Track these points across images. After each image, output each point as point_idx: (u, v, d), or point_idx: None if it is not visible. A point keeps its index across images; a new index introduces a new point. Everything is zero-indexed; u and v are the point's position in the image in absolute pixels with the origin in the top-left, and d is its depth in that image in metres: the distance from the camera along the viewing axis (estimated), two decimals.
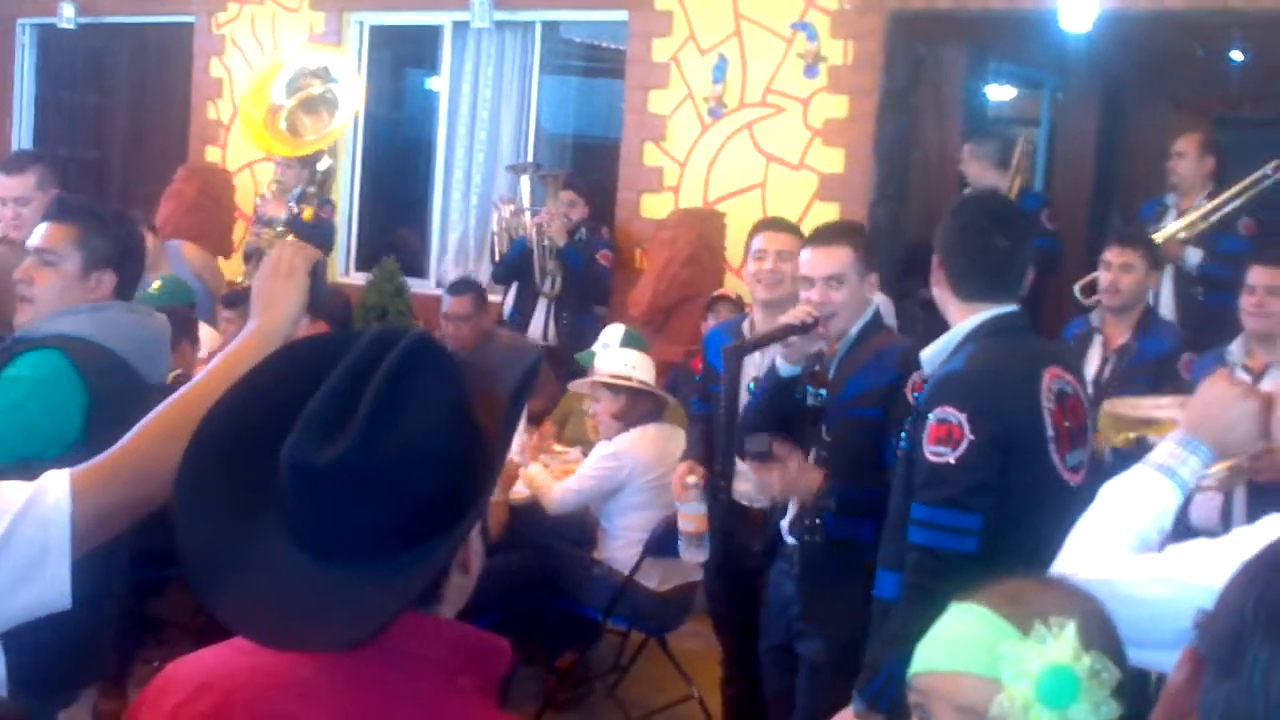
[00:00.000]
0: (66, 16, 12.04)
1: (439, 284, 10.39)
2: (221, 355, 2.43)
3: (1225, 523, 5.03)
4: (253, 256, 8.85)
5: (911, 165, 9.20)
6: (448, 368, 1.75)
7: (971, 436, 3.39)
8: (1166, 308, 7.52)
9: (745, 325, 5.45)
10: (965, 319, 3.65)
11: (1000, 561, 3.29)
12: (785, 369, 4.49)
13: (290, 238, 3.47)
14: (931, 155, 9.53)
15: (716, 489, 5.33)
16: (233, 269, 10.26)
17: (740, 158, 9.14)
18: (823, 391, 4.47)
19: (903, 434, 3.73)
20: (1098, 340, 6.39)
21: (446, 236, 10.59)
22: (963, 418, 3.41)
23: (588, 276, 8.88)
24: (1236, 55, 10.66)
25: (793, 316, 4.40)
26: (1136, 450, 2.89)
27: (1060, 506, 3.10)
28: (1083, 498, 3.44)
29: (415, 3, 10.52)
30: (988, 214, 3.80)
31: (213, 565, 1.70)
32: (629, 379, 6.33)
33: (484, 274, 9.84)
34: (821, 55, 8.82)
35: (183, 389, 2.35)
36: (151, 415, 2.31)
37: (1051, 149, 11.58)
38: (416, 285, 10.02)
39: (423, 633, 1.69)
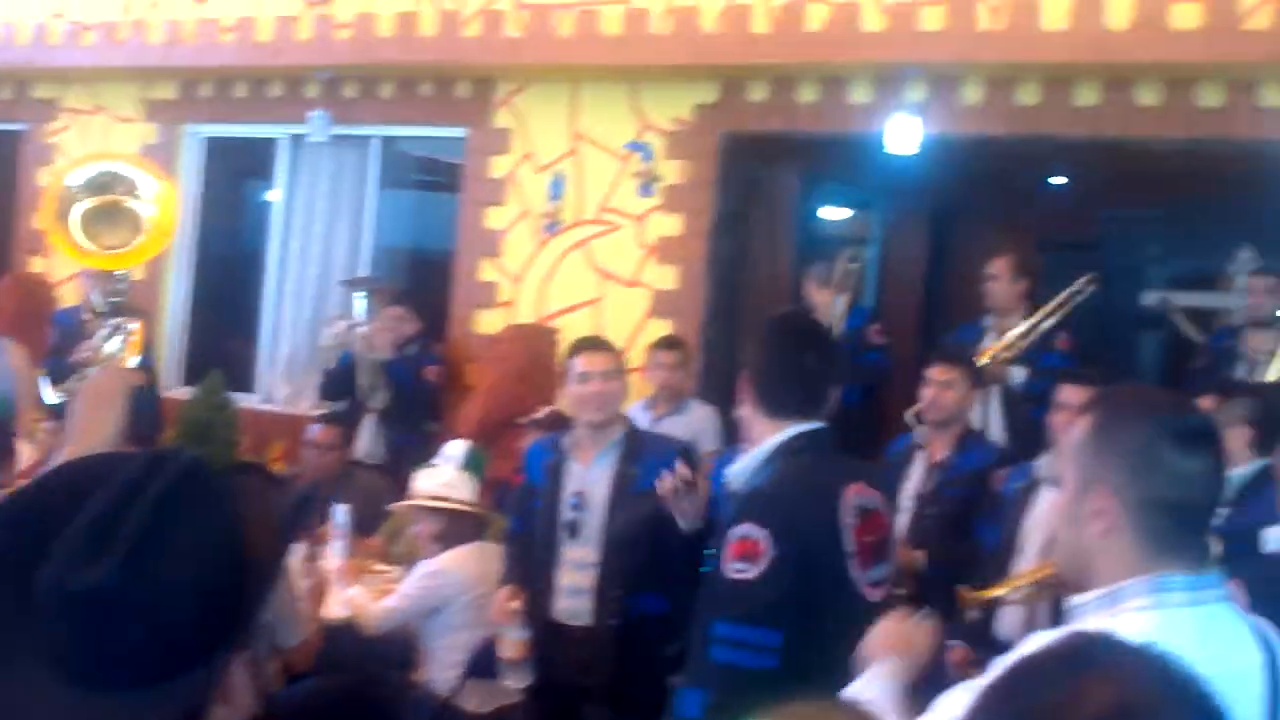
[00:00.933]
0: None
1: (267, 399, 10.27)
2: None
3: (1030, 633, 5.16)
4: (70, 375, 8.66)
5: (745, 284, 9.33)
6: (217, 494, 1.71)
7: (773, 553, 3.40)
8: (996, 426, 7.69)
9: (566, 442, 5.50)
10: (771, 436, 3.67)
11: (802, 678, 3.36)
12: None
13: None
14: (765, 274, 9.67)
15: (536, 609, 5.34)
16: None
17: (575, 274, 9.20)
18: None
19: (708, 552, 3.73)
20: (920, 455, 6.53)
21: (277, 350, 10.46)
22: (764, 534, 3.42)
23: (415, 392, 8.83)
24: (1057, 180, 11.00)
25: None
26: None
27: (862, 622, 3.16)
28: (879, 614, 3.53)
29: (252, 115, 10.46)
30: (795, 333, 3.88)
31: None
32: (446, 499, 6.30)
33: (312, 389, 9.74)
34: (656, 175, 8.95)
35: None
36: None
37: (883, 269, 11.82)
38: (244, 399, 9.89)
39: None
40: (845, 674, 2.89)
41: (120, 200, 8.82)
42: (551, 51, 8.89)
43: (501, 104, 9.47)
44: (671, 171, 8.94)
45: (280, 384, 10.35)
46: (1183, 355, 9.59)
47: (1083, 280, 8.21)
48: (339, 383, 9.00)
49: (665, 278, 8.94)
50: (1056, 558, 2.55)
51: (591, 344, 5.78)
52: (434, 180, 11.32)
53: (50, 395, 8.30)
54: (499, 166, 9.46)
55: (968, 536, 6.25)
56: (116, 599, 1.56)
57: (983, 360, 7.65)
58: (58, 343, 8.79)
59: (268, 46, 9.82)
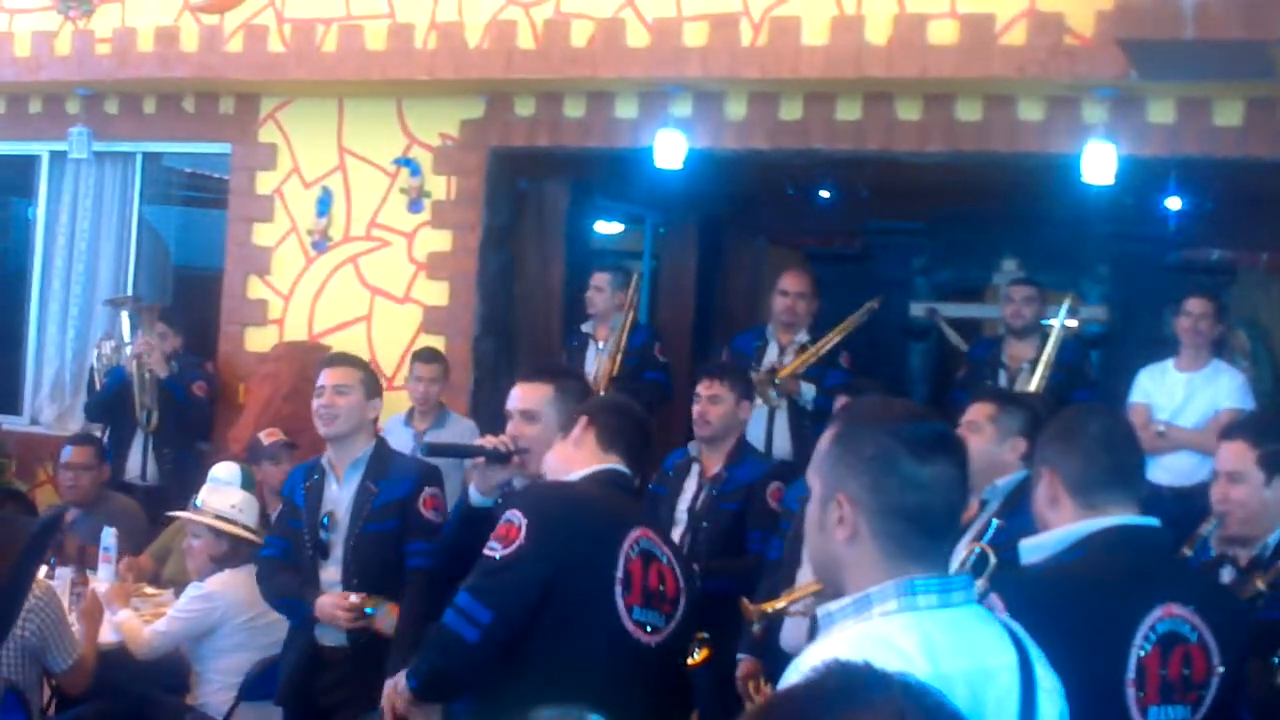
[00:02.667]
0: None
1: (33, 420, 10.04)
2: None
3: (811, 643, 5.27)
4: None
5: (517, 298, 9.37)
6: None
7: (523, 543, 3.55)
8: (783, 440, 7.84)
9: (324, 462, 5.48)
10: (589, 466, 3.90)
11: (521, 676, 3.55)
12: (477, 499, 4.47)
13: None
14: (537, 288, 9.71)
15: (299, 632, 5.34)
16: None
17: (345, 291, 9.16)
18: None
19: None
20: (695, 469, 6.60)
21: (42, 371, 10.22)
22: (525, 523, 3.57)
23: (186, 410, 8.71)
24: (824, 193, 11.22)
25: (489, 442, 4.42)
26: None
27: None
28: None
29: (12, 132, 10.22)
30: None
31: None
32: (234, 522, 6.25)
33: (79, 410, 9.56)
34: (425, 190, 8.95)
35: None
36: None
37: (655, 282, 11.94)
38: (9, 422, 9.66)
39: None
40: (571, 696, 2.97)
41: None
42: (316, 67, 8.82)
43: (267, 119, 9.38)
44: (440, 187, 8.95)
45: (47, 405, 10.12)
46: (951, 365, 9.85)
47: (870, 303, 8.45)
48: (108, 403, 8.83)
49: (436, 293, 8.95)
50: (812, 567, 2.60)
51: (336, 359, 5.84)
52: (201, 196, 11.17)
53: None
54: (265, 182, 9.37)
55: (742, 549, 6.35)
56: None
57: (781, 375, 7.83)
58: None
59: (26, 62, 9.60)
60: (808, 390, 7.88)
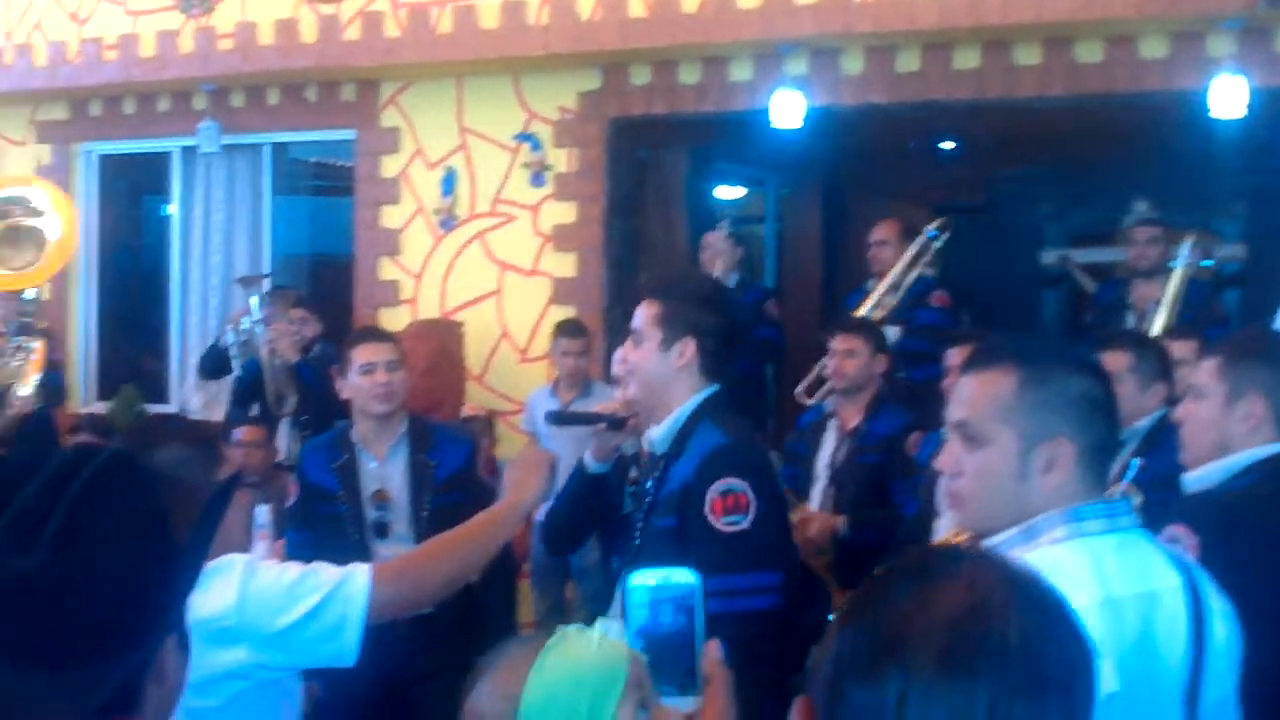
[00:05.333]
0: None
1: (182, 408, 10.28)
2: (484, 514, 3.40)
3: None
4: None
5: (642, 266, 9.42)
6: (143, 485, 1.79)
7: (756, 501, 3.57)
8: None
9: (353, 435, 5.46)
10: (694, 395, 3.77)
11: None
12: (594, 465, 4.49)
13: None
14: (662, 256, 9.76)
15: None
16: None
17: (474, 267, 9.27)
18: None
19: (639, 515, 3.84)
20: (833, 424, 6.61)
21: (187, 361, 10.47)
22: (746, 485, 3.57)
23: (325, 394, 8.85)
24: (946, 145, 11.13)
25: (608, 408, 4.43)
26: None
27: None
28: None
29: (142, 130, 10.46)
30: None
31: None
32: None
33: (225, 397, 9.75)
34: (547, 164, 9.03)
35: (445, 535, 3.36)
36: (437, 538, 3.39)
37: (780, 244, 11.93)
38: (160, 410, 9.91)
39: None
40: None
41: (20, 222, 8.86)
42: (432, 49, 8.95)
43: (388, 104, 9.52)
44: (561, 160, 9.03)
45: (194, 393, 10.36)
46: (1084, 310, 9.74)
47: (934, 224, 8.32)
48: (247, 390, 9.01)
49: (563, 265, 9.02)
50: (976, 513, 2.53)
51: (370, 334, 5.79)
52: (328, 184, 11.35)
53: None
54: (390, 166, 9.51)
55: (885, 502, 6.35)
56: (47, 585, 1.63)
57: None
58: None
59: (152, 61, 9.83)
60: (890, 332, 7.81)
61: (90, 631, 1.68)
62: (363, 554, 5.13)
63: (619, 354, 4.54)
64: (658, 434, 3.78)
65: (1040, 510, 2.38)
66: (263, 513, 7.13)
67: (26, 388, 8.44)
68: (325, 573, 3.07)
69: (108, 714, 1.71)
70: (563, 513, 4.51)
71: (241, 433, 7.91)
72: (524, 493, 3.46)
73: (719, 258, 8.77)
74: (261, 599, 2.98)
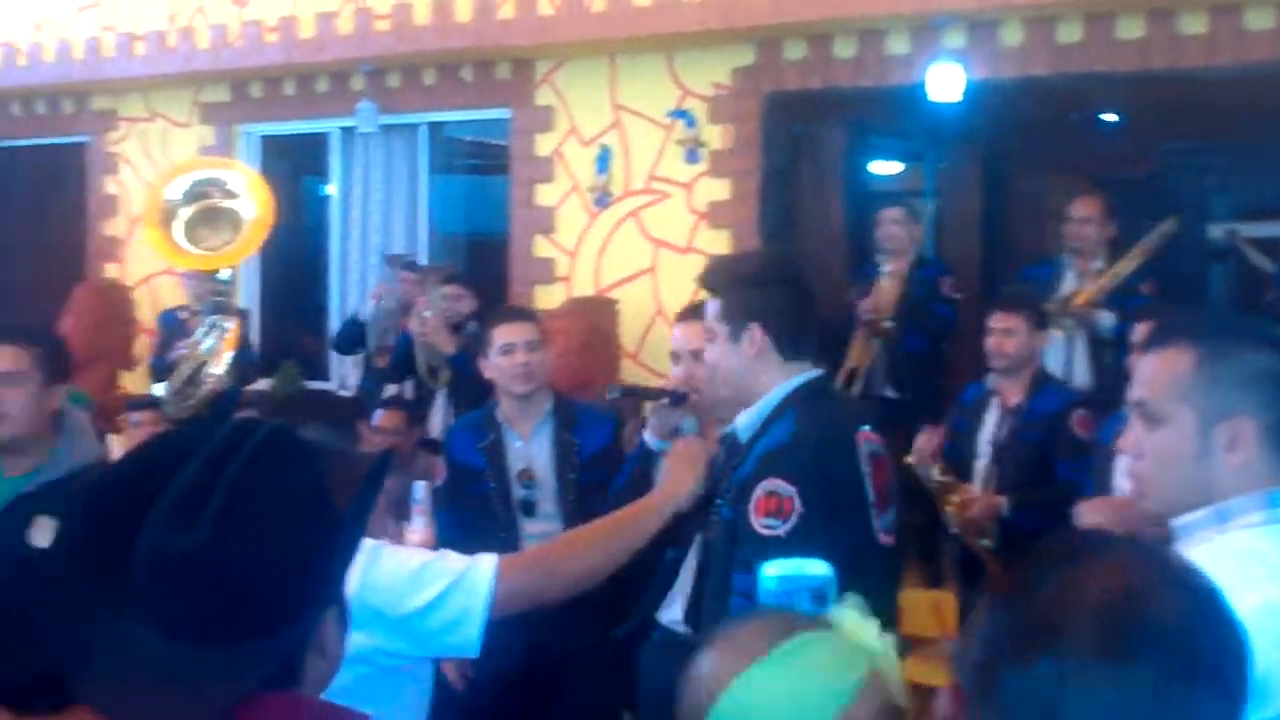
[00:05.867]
0: None
1: (341, 385, 10.42)
2: (633, 505, 3.35)
3: None
4: (172, 372, 8.85)
5: (798, 243, 9.35)
6: (303, 458, 1.80)
7: (801, 509, 3.32)
8: (1082, 371, 7.66)
9: (498, 414, 5.44)
10: (783, 381, 3.56)
11: None
12: (654, 442, 4.47)
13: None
14: (817, 232, 9.69)
15: None
16: (138, 382, 10.30)
17: (629, 245, 9.27)
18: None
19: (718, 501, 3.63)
20: (994, 402, 6.54)
21: None
22: (793, 491, 3.33)
23: (476, 370, 8.88)
24: (1109, 117, 10.89)
25: (668, 383, 4.40)
26: None
27: (877, 570, 3.17)
28: (894, 558, 3.52)
29: (302, 111, 10.62)
30: (804, 274, 3.77)
31: (74, 647, 1.75)
32: None
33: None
34: (701, 141, 8.99)
35: (592, 524, 3.33)
36: (580, 529, 3.35)
37: (939, 219, 11.78)
38: (320, 388, 10.04)
39: (283, 712, 1.74)
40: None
41: (217, 203, 9.08)
42: (586, 27, 8.95)
43: (542, 82, 9.54)
44: (715, 136, 8.98)
45: (352, 371, 10.50)
46: (1253, 287, 9.49)
47: (1164, 225, 8.16)
48: (400, 364, 9.07)
49: (718, 242, 8.96)
50: (1158, 493, 2.46)
51: (511, 314, 5.76)
52: (484, 163, 11.43)
53: (156, 390, 8.59)
54: (545, 144, 9.54)
55: (1048, 481, 6.25)
56: (210, 561, 1.66)
57: (1075, 304, 7.66)
58: (162, 341, 9.03)
59: (311, 43, 9.97)
60: (1106, 319, 7.66)
61: (253, 606, 1.70)
62: (511, 532, 5.25)
63: (678, 331, 4.51)
64: (743, 421, 3.59)
65: (1227, 492, 2.31)
66: (419, 488, 7.23)
67: (219, 366, 8.60)
68: (450, 561, 3.02)
69: (271, 687, 1.73)
70: (624, 492, 4.45)
71: (381, 417, 7.97)
72: (679, 486, 3.39)
73: (895, 235, 8.65)
74: (384, 585, 2.92)
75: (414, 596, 2.93)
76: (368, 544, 2.91)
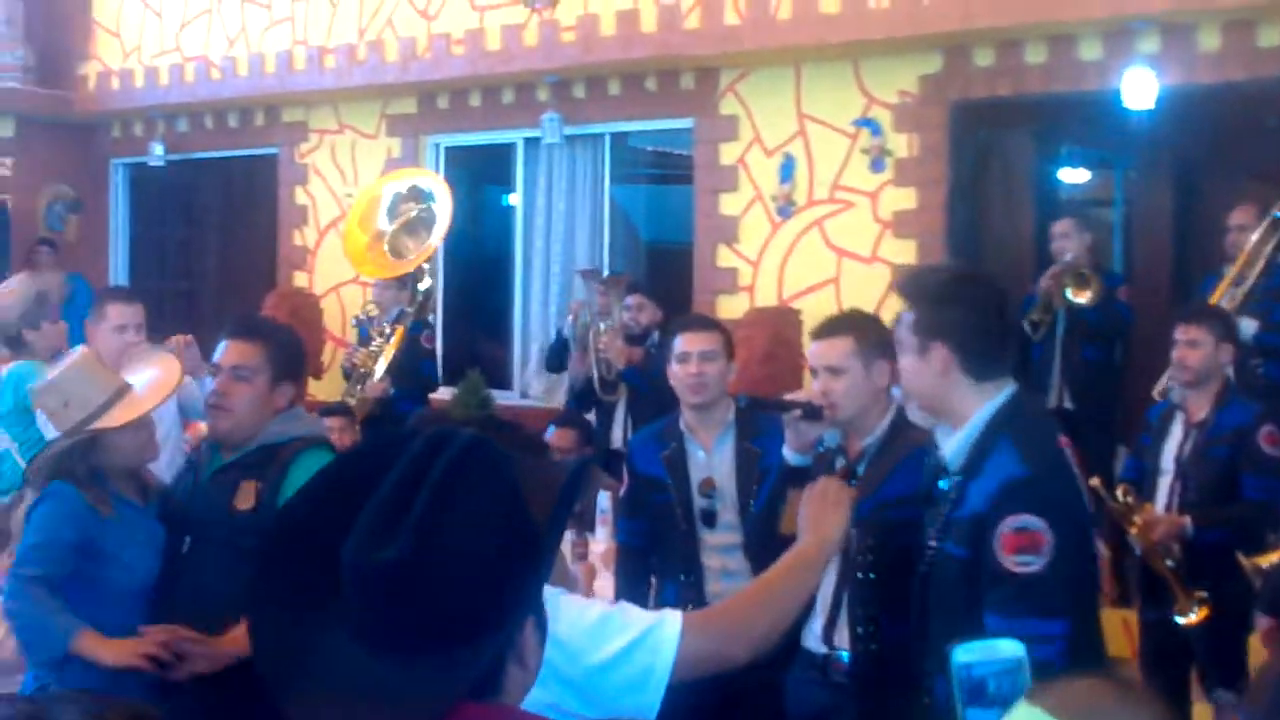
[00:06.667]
0: (156, 155, 12.42)
1: (523, 394, 10.51)
2: (790, 557, 3.10)
3: None
4: (351, 376, 9.04)
5: (985, 253, 9.22)
6: (501, 469, 1.80)
7: (1054, 541, 3.23)
8: None
9: (681, 424, 5.34)
10: (982, 402, 3.48)
11: (1080, 663, 3.22)
12: (794, 458, 4.40)
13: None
14: (1005, 242, 9.54)
15: (689, 597, 5.11)
16: (326, 389, 10.47)
17: (812, 254, 9.22)
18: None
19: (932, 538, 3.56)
20: (1180, 416, 6.36)
21: (528, 348, 10.72)
22: (1043, 524, 3.24)
23: (660, 383, 8.86)
24: None
25: (802, 397, 4.35)
26: None
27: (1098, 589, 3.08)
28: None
29: (488, 122, 10.74)
30: (997, 292, 3.64)
31: (281, 661, 1.78)
32: None
33: (564, 385, 9.91)
34: (887, 149, 8.91)
35: (770, 575, 3.05)
36: (744, 593, 3.11)
37: (1129, 228, 11.52)
38: (501, 397, 10.13)
39: None
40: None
41: (419, 212, 9.27)
42: (772, 36, 8.93)
43: (726, 91, 9.54)
44: (901, 145, 8.90)
45: (534, 380, 10.59)
46: None
47: None
48: (585, 384, 9.07)
49: (904, 252, 8.88)
50: None
51: (691, 322, 5.65)
52: (666, 172, 11.44)
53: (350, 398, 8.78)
54: (728, 153, 9.53)
55: (1233, 497, 6.08)
56: (411, 573, 1.68)
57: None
58: (354, 348, 9.21)
59: (497, 55, 10.09)
60: (1247, 326, 7.40)
61: (456, 617, 1.70)
62: (691, 542, 5.15)
63: (815, 347, 4.42)
64: (950, 448, 3.50)
65: None
66: (604, 498, 7.24)
67: (379, 368, 8.76)
68: (632, 615, 2.76)
69: (474, 697, 1.73)
70: (764, 510, 4.40)
71: (554, 434, 7.99)
72: (828, 529, 3.21)
73: (1063, 248, 8.48)
74: (562, 637, 2.61)
75: (595, 652, 2.67)
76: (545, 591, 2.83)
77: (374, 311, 9.26)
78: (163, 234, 13.52)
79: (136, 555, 4.23)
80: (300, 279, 11.68)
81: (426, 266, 9.28)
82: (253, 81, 11.59)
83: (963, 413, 3.49)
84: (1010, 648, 1.83)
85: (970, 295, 3.55)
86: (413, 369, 8.96)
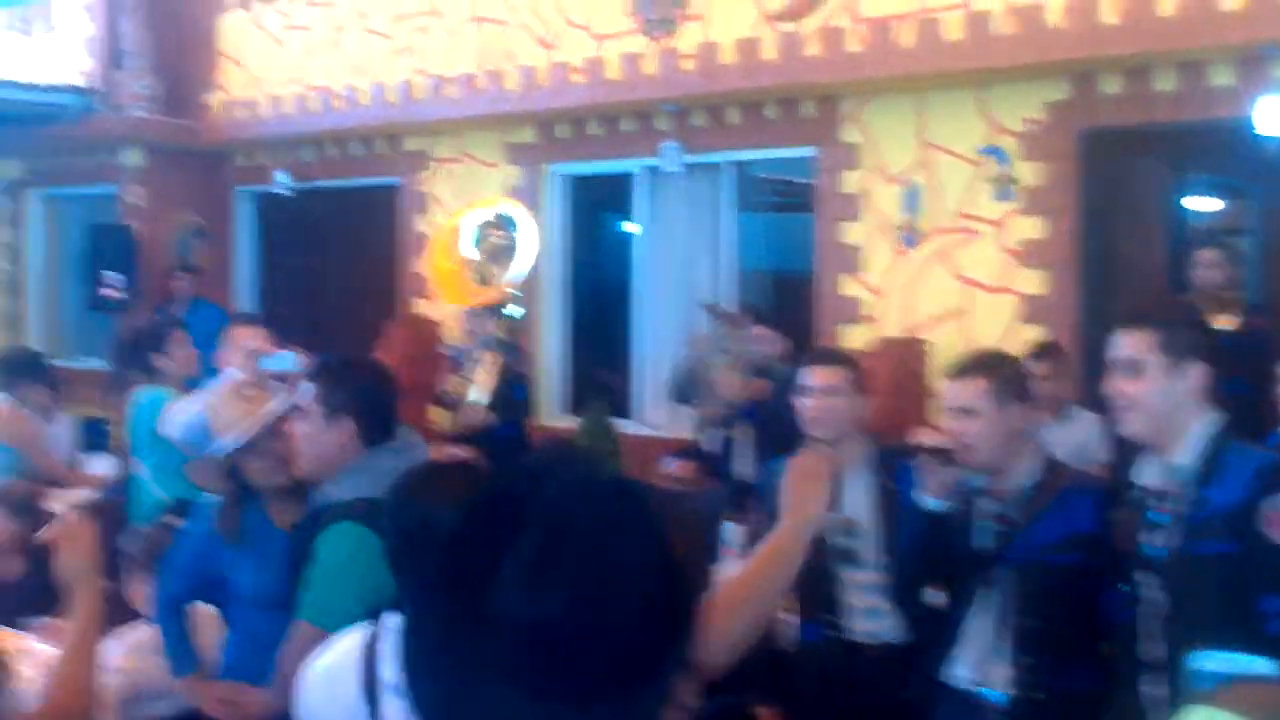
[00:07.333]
0: (282, 183, 12.57)
1: (646, 425, 10.46)
2: (763, 546, 2.95)
3: None
4: (444, 402, 9.06)
5: (1116, 284, 9.02)
6: (649, 511, 1.75)
7: None
8: None
9: None
10: (1199, 420, 3.69)
11: None
12: (932, 503, 4.33)
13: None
14: (1137, 272, 9.34)
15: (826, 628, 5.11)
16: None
17: (938, 284, 9.10)
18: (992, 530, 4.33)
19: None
20: None
21: (649, 377, 10.67)
22: None
23: (786, 417, 8.77)
24: None
25: (926, 438, 4.30)
26: None
27: None
28: None
29: (607, 151, 10.73)
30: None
31: (439, 710, 1.73)
32: None
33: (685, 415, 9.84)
34: (1013, 178, 8.76)
35: (744, 571, 2.92)
36: (723, 591, 2.77)
37: (1264, 259, 11.26)
38: (625, 426, 10.11)
39: None
40: None
41: (500, 241, 9.29)
42: (894, 63, 8.82)
43: (847, 119, 9.44)
44: (1029, 173, 8.74)
45: (655, 409, 10.54)
46: None
47: None
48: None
49: (1033, 282, 8.74)
50: None
51: (817, 356, 5.59)
52: (785, 200, 11.36)
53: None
54: (850, 182, 9.44)
55: None
56: (565, 626, 1.62)
57: None
58: (446, 375, 9.25)
59: (617, 84, 10.07)
60: None
61: (612, 665, 1.65)
62: (828, 580, 5.03)
63: (954, 387, 4.34)
64: (1183, 460, 3.67)
65: None
66: (729, 529, 7.19)
67: (478, 398, 8.78)
68: None
69: None
70: (908, 558, 4.41)
71: (674, 466, 7.93)
72: (805, 508, 3.05)
73: (1211, 278, 8.26)
74: None
75: None
76: None
77: (466, 340, 9.28)
78: (287, 261, 13.67)
79: (255, 580, 4.25)
80: (422, 306, 11.74)
81: (516, 294, 9.26)
82: (375, 111, 11.69)
83: (1186, 428, 3.69)
84: (1262, 665, 1.77)
85: (1209, 325, 3.85)
86: (505, 394, 8.96)
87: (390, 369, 8.55)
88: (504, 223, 9.40)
